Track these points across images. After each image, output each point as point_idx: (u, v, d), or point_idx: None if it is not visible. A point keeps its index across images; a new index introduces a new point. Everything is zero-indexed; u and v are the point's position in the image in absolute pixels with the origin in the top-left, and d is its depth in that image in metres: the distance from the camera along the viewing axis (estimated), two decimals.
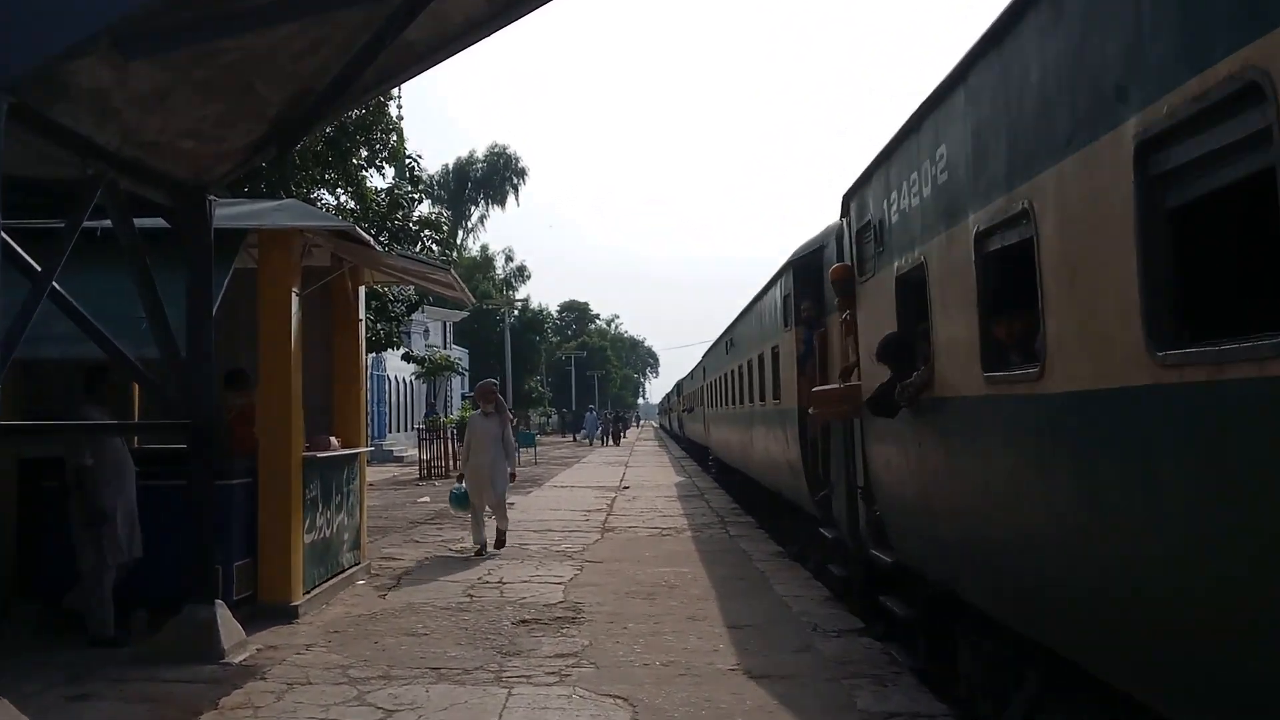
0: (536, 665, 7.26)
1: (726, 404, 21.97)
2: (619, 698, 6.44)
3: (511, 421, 14.09)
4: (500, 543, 13.03)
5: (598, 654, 7.58)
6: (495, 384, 14.00)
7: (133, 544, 8.09)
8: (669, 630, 8.33)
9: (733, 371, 20.20)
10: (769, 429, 14.24)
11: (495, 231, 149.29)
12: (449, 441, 30.57)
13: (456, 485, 13.72)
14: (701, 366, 33.22)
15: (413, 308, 21.58)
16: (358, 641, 8.04)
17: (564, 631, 8.33)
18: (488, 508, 13.11)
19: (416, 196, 22.18)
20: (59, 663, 7.27)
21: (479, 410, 13.58)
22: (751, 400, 16.56)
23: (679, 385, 57.29)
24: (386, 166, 21.23)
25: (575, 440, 64.80)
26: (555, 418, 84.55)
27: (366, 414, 12.19)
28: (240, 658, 7.50)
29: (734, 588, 10.26)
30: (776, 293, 13.39)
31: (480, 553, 12.61)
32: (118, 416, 8.83)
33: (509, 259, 79.22)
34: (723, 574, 11.11)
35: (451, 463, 29.95)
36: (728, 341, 21.72)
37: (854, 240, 8.24)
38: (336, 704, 6.35)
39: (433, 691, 6.61)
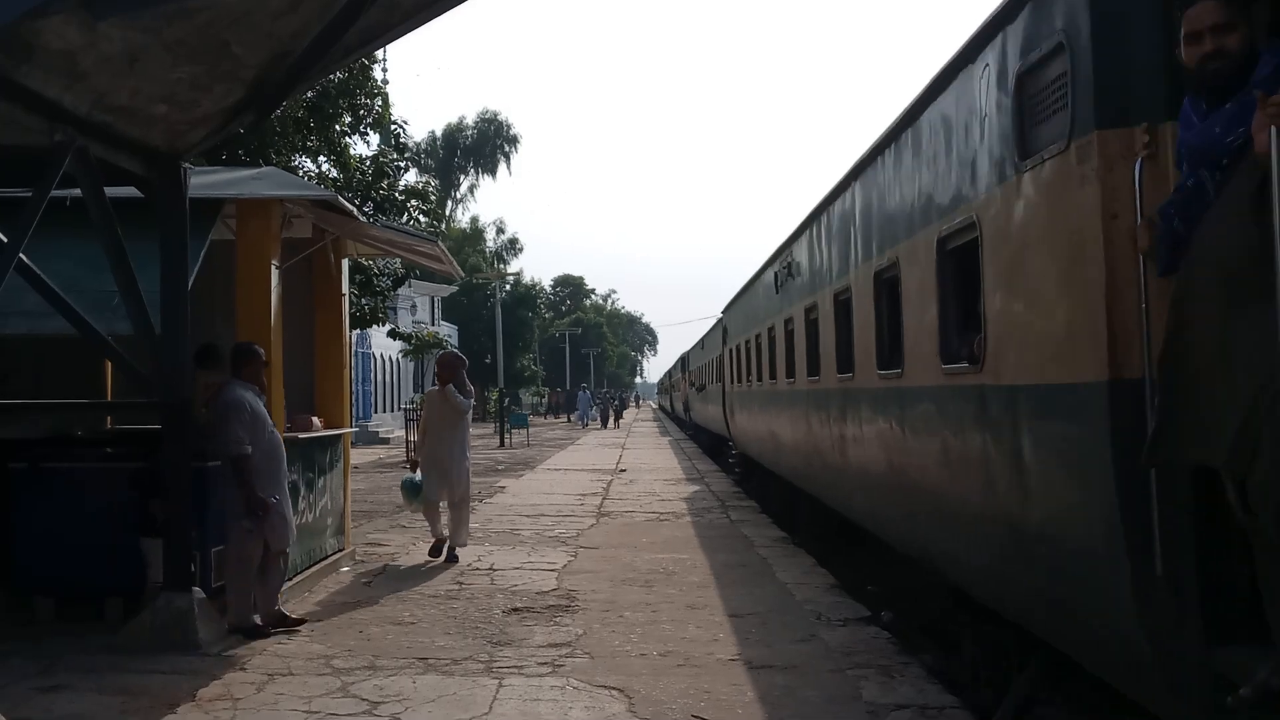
0: (528, 655, 7.06)
1: (773, 377, 14.05)
2: (614, 689, 6.26)
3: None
4: (451, 556, 10.93)
5: (592, 644, 7.37)
6: (461, 358, 11.89)
7: (288, 530, 7.93)
8: (667, 619, 8.12)
9: (790, 322, 12.32)
10: (932, 433, 6.47)
11: (486, 202, 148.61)
12: None
13: (410, 474, 11.64)
14: (721, 327, 24.23)
15: (399, 282, 21.27)
16: (341, 631, 7.81)
17: (557, 620, 8.11)
18: (444, 504, 11.26)
19: (403, 165, 21.81)
20: (29, 652, 7.02)
21: (436, 388, 11.51)
22: (847, 369, 8.84)
23: (684, 359, 47.22)
24: (371, 133, 20.85)
25: (569, 421, 63.77)
26: (547, 398, 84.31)
27: (351, 393, 11.94)
28: (218, 648, 7.26)
29: (735, 575, 10.03)
30: (987, 70, 5.37)
31: (437, 550, 11.00)
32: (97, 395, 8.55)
33: (500, 231, 78.81)
34: (723, 560, 10.88)
35: None
36: (781, 272, 13.13)
37: None
38: (319, 695, 6.15)
39: (420, 682, 6.42)
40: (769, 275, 14.44)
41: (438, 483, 11.01)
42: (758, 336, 15.87)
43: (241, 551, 7.69)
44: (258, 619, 7.72)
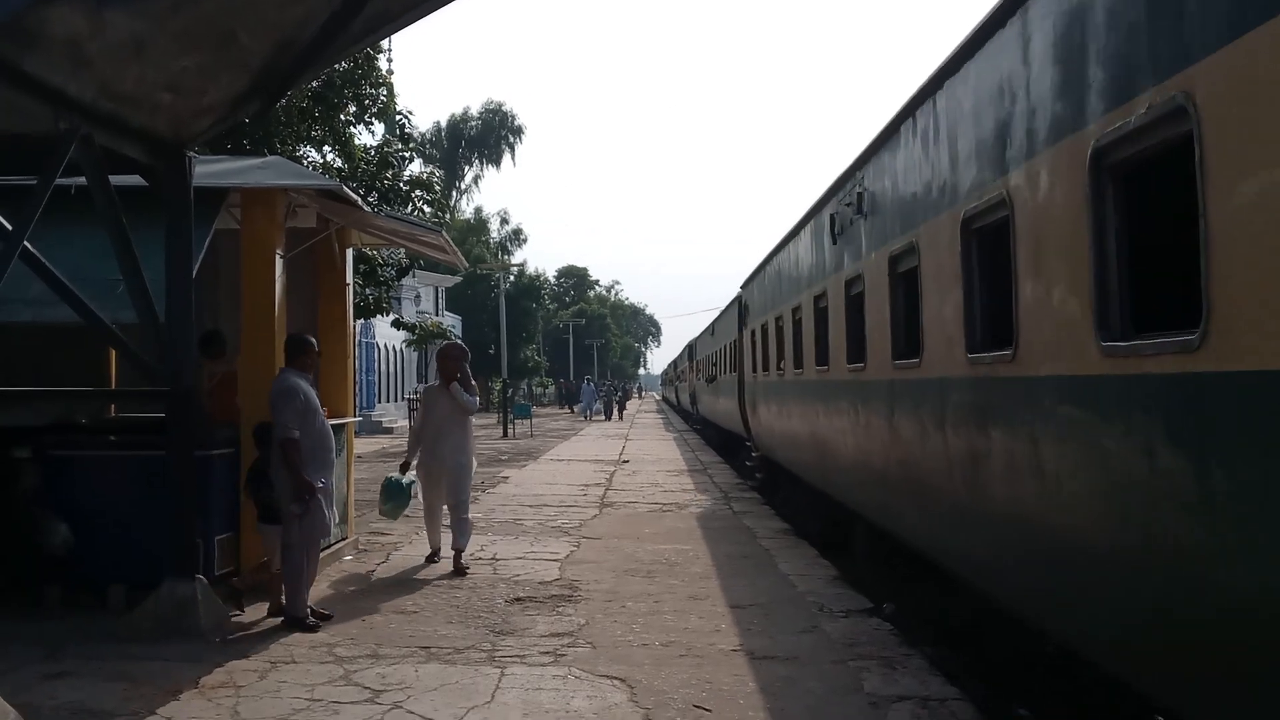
0: (531, 645, 7.06)
1: (821, 364, 10.54)
2: (616, 679, 6.26)
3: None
4: (459, 568, 9.66)
5: (594, 633, 7.38)
6: (464, 349, 10.63)
7: (334, 517, 7.90)
8: (669, 609, 8.12)
9: (855, 284, 8.99)
10: None
11: (490, 193, 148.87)
12: None
13: (394, 475, 10.11)
14: (738, 306, 20.44)
15: (403, 272, 21.23)
16: (344, 619, 7.81)
17: (559, 610, 8.11)
18: (444, 509, 10.09)
19: (407, 155, 21.74)
20: (33, 638, 7.06)
21: (437, 382, 10.35)
22: (999, 344, 5.59)
23: (691, 347, 42.23)
24: (376, 123, 20.82)
25: (573, 412, 63.21)
26: (551, 389, 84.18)
27: (354, 383, 11.92)
28: (222, 635, 7.29)
29: (737, 566, 10.03)
30: None
31: (434, 558, 10.02)
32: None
33: (504, 222, 79.05)
34: (726, 551, 10.88)
35: None
36: (841, 213, 9.47)
37: None
38: (322, 684, 6.17)
39: (422, 671, 6.43)
40: (815, 226, 10.90)
41: (437, 486, 9.95)
42: (795, 311, 12.25)
43: (290, 538, 7.64)
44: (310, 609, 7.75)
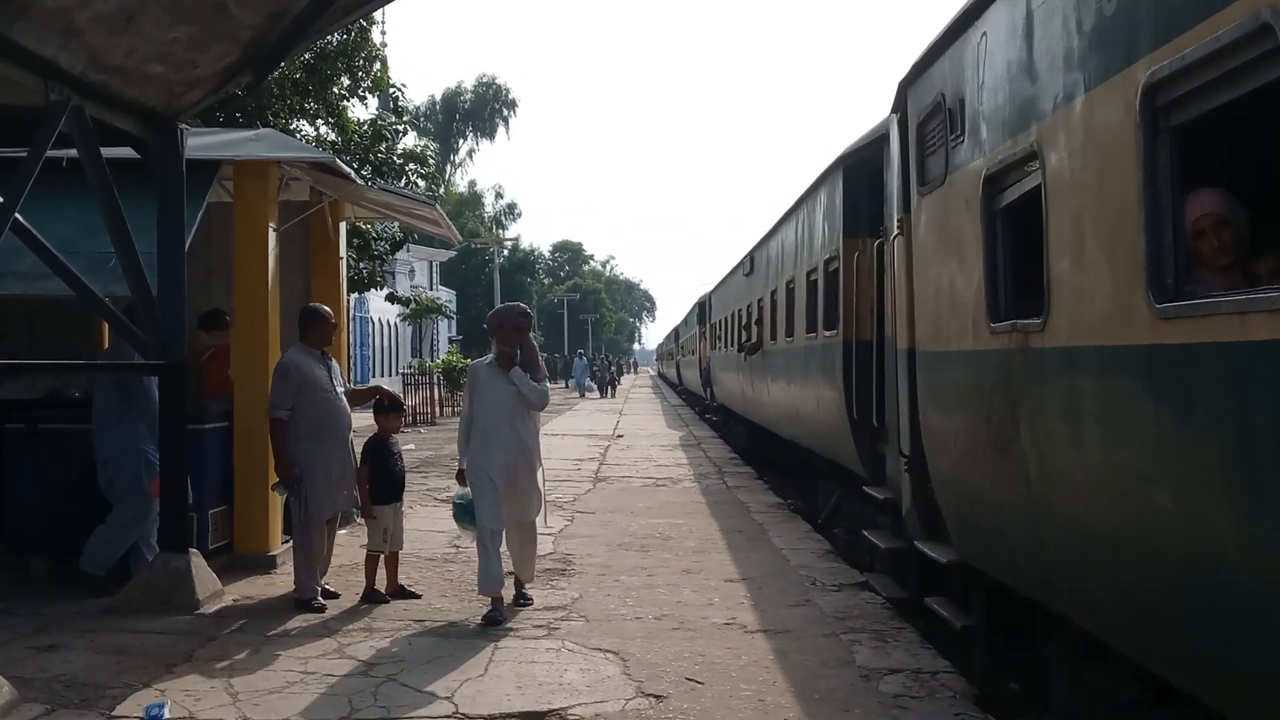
0: (524, 618, 7.10)
1: None
2: (609, 651, 6.29)
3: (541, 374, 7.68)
4: (521, 596, 7.55)
5: (588, 607, 7.41)
6: (526, 312, 7.85)
7: (339, 497, 7.69)
8: (662, 583, 8.16)
9: None
10: None
11: (484, 167, 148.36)
12: (435, 388, 30.15)
13: (461, 492, 7.60)
14: (883, 156, 8.15)
15: (397, 246, 21.13)
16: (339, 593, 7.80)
17: (553, 583, 8.14)
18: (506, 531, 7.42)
19: (401, 128, 21.65)
20: (27, 612, 7.06)
21: (491, 358, 7.62)
22: None
23: (703, 304, 32.13)
24: (369, 96, 20.68)
25: (567, 387, 62.75)
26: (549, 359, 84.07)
27: (348, 357, 11.90)
28: (215, 608, 7.30)
29: (731, 540, 10.08)
30: None
31: (493, 618, 7.00)
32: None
33: (499, 196, 78.79)
34: (719, 526, 10.92)
35: (438, 409, 29.52)
36: None
37: None
38: (315, 657, 6.19)
39: (416, 644, 6.46)
40: None
41: (494, 503, 7.27)
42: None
43: (293, 519, 7.56)
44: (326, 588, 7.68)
